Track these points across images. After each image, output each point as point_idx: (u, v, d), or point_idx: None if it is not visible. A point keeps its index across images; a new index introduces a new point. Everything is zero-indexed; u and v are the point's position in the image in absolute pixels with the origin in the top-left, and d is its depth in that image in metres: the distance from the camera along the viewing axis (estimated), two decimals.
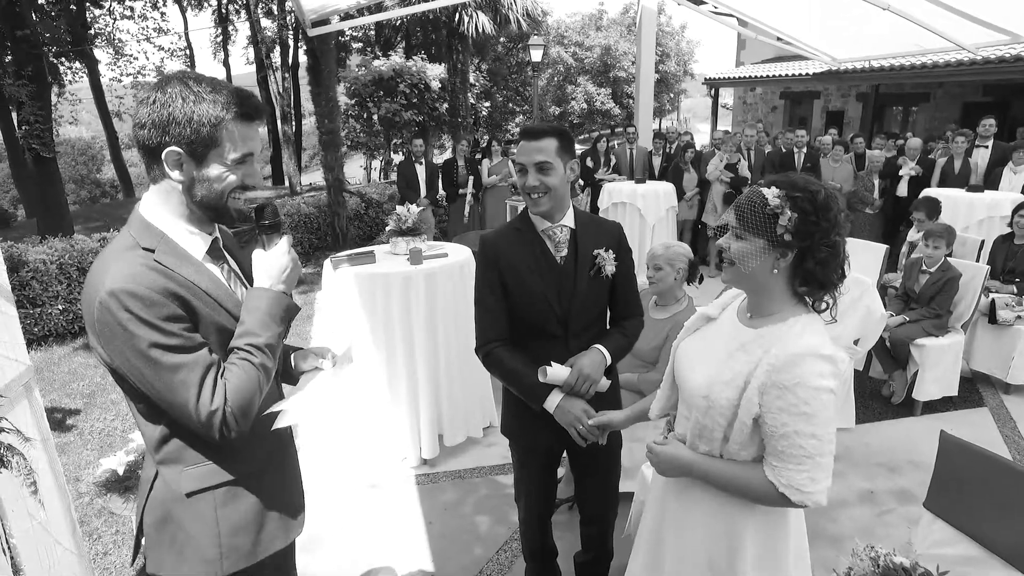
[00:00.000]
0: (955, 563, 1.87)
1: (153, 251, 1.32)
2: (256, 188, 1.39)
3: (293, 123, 19.85)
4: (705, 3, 10.52)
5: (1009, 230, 4.90)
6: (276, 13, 16.98)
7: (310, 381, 1.55)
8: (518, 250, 2.04)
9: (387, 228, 3.91)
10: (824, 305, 1.49)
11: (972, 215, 6.03)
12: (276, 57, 19.41)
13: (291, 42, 17.52)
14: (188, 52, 23.61)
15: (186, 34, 23.40)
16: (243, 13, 18.03)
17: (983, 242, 5.21)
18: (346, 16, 7.36)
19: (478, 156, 8.42)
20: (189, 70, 1.48)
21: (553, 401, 2.01)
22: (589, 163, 8.95)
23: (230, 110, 1.31)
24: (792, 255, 1.42)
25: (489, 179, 8.25)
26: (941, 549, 1.94)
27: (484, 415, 4.17)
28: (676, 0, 10.21)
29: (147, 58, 24.22)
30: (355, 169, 20.75)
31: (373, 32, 18.68)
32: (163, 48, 22.58)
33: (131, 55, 21.19)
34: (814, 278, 1.43)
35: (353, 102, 14.38)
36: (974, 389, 4.64)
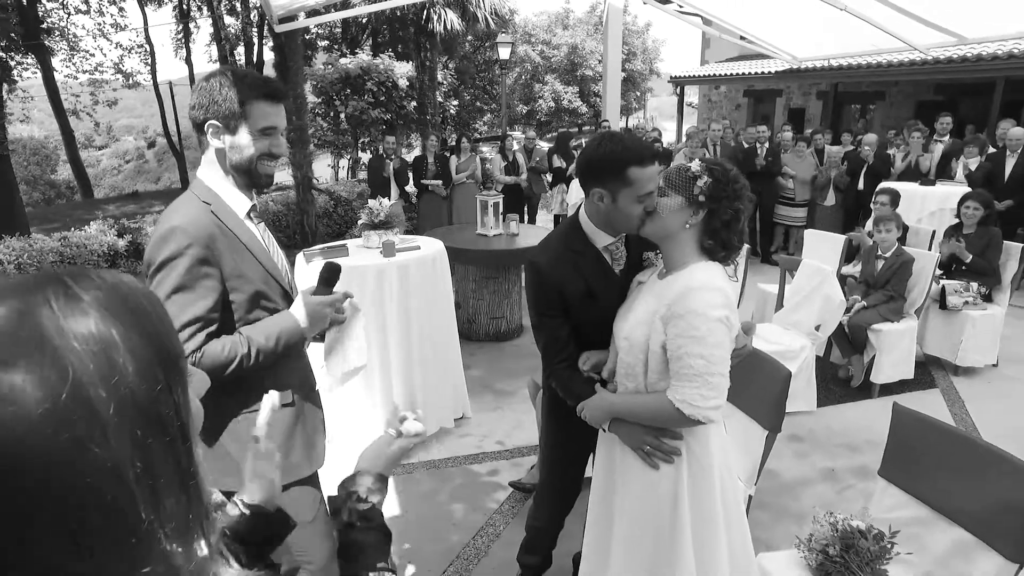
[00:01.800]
0: (906, 524, 2.00)
1: (210, 204, 1.65)
2: (279, 156, 1.70)
3: None
4: (671, 2, 10.70)
5: (957, 221, 5.13)
6: (240, 10, 16.68)
7: (346, 330, 1.89)
8: (583, 274, 1.95)
9: (359, 222, 3.92)
10: (723, 256, 1.78)
11: (925, 207, 6.29)
12: (240, 55, 19.06)
13: (256, 40, 17.25)
14: (148, 49, 23.06)
15: (145, 30, 22.82)
16: (205, 9, 17.69)
17: (935, 232, 5.44)
18: (312, 12, 7.30)
19: (446, 153, 8.45)
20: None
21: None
22: (558, 162, 9.04)
23: (255, 91, 1.61)
24: (703, 213, 1.72)
25: (458, 176, 8.28)
26: (894, 512, 2.06)
27: (456, 405, 4.21)
28: None
29: (104, 55, 23.48)
30: (322, 168, 20.53)
31: (339, 30, 18.51)
32: (121, 45, 22.00)
33: (87, 51, 20.60)
34: (719, 237, 1.73)
35: (320, 100, 14.25)
36: (927, 372, 4.85)
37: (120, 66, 21.72)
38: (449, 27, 13.46)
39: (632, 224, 1.85)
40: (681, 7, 10.20)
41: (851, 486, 3.43)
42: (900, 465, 2.10)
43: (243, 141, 1.63)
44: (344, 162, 17.35)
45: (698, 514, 1.79)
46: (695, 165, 1.73)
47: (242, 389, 1.66)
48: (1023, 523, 1.77)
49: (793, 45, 9.52)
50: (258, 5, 16.55)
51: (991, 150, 7.04)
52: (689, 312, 1.63)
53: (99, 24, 20.48)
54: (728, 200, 1.71)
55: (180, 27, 23.16)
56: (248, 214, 1.73)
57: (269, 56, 16.63)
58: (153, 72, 23.36)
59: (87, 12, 19.57)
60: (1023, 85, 9.74)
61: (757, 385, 2.48)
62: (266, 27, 17.41)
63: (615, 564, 1.91)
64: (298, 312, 1.70)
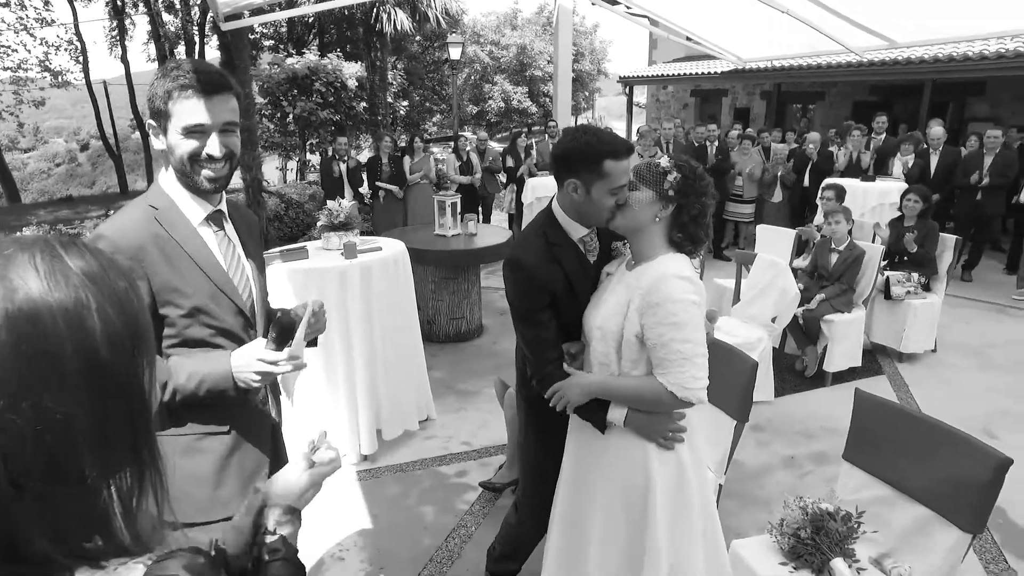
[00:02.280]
0: (870, 504, 2.08)
1: (157, 209, 1.52)
2: (219, 159, 1.50)
3: None
4: (619, 3, 10.85)
5: (900, 214, 5.38)
6: (179, 7, 16.08)
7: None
8: (564, 267, 1.94)
9: (319, 223, 3.84)
10: (690, 249, 1.83)
11: (867, 202, 6.58)
12: (181, 54, 18.40)
13: (197, 38, 16.66)
14: (79, 46, 21.99)
15: (75, 26, 21.75)
16: (141, 6, 16.94)
17: (877, 224, 5.70)
18: (256, 11, 7.10)
19: (398, 154, 8.38)
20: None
21: (619, 414, 1.85)
22: (510, 162, 9.06)
23: (177, 83, 1.45)
24: (672, 208, 1.77)
25: (412, 176, 8.21)
26: (858, 494, 2.14)
27: (421, 407, 4.17)
28: (590, 0, 10.50)
29: (28, 51, 22.25)
30: (270, 171, 20.00)
31: (285, 29, 18.09)
32: (46, 41, 20.88)
33: (8, 47, 19.49)
34: (687, 230, 1.79)
35: (266, 101, 13.89)
36: (874, 359, 5.07)
37: (46, 64, 20.64)
38: (399, 26, 13.31)
39: (603, 217, 1.86)
40: (629, 8, 10.36)
41: (811, 472, 3.56)
42: (862, 448, 2.19)
43: (172, 141, 1.50)
44: (292, 164, 16.96)
45: (672, 504, 1.82)
46: (664, 161, 1.78)
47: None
48: (976, 496, 1.86)
49: (738, 46, 9.80)
50: (199, 2, 16.02)
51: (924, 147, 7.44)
52: (666, 300, 1.68)
53: (21, 19, 19.41)
54: (696, 195, 1.77)
55: (114, 24, 22.18)
56: (207, 221, 1.59)
57: (213, 55, 16.13)
58: (86, 71, 22.29)
59: (7, 5, 18.49)
60: (949, 87, 10.31)
61: (724, 376, 2.54)
62: (208, 25, 16.87)
63: (593, 558, 1.92)
64: (238, 359, 1.49)
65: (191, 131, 1.48)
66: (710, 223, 1.85)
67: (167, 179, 1.57)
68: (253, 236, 1.76)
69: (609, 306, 1.83)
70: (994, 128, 7.17)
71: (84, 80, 22.37)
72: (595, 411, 1.87)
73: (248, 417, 1.66)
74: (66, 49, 21.72)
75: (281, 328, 1.45)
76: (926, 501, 1.99)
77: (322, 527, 3.19)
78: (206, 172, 1.52)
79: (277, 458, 1.75)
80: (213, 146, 1.50)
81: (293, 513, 1.09)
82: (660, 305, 1.69)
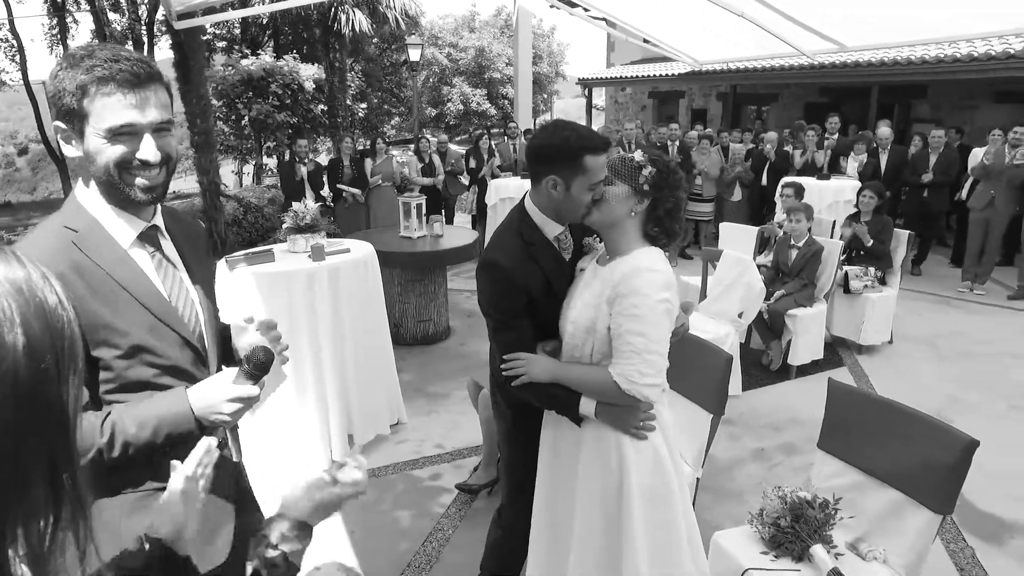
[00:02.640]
0: (845, 490, 2.14)
1: (76, 231, 1.26)
2: (154, 164, 1.26)
3: None
4: (577, 5, 10.96)
5: (856, 210, 5.57)
6: (126, 5, 15.53)
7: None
8: (541, 266, 1.91)
9: (284, 225, 3.76)
10: (665, 243, 1.86)
11: (822, 200, 6.78)
12: None
13: (145, 38, 16.12)
14: (16, 44, 21.00)
15: (10, 23, 20.73)
16: (83, 3, 16.23)
17: (835, 222, 5.89)
18: (209, 10, 6.91)
19: (358, 156, 8.27)
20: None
21: (589, 407, 1.83)
22: (473, 163, 9.03)
23: (92, 74, 1.18)
24: (647, 202, 1.79)
25: (373, 179, 8.12)
26: (833, 481, 2.20)
27: (392, 411, 4.12)
28: (549, 3, 10.57)
29: None
30: (226, 175, 19.51)
31: (239, 30, 17.68)
32: None
33: None
34: (662, 224, 1.81)
35: (221, 103, 13.54)
36: (834, 352, 5.23)
37: None
38: (358, 27, 13.14)
39: (579, 213, 1.85)
40: (588, 10, 10.46)
41: (780, 463, 3.64)
42: (836, 436, 2.24)
43: (92, 146, 1.23)
44: (249, 168, 16.57)
45: (650, 491, 1.82)
46: (638, 155, 1.80)
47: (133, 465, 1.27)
48: (945, 478, 1.93)
49: (694, 48, 9.98)
50: (146, 1, 15.53)
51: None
52: (632, 292, 1.70)
53: None
54: (670, 189, 1.79)
55: (54, 21, 21.28)
56: (140, 241, 1.33)
57: (164, 56, 15.64)
58: (23, 70, 21.33)
59: None
60: (894, 90, 10.74)
61: (699, 371, 2.58)
62: (157, 25, 16.36)
63: (573, 555, 1.91)
64: (197, 396, 1.27)
65: (118, 133, 1.22)
66: (684, 217, 1.87)
67: (86, 194, 1.31)
68: (198, 249, 1.51)
69: (584, 300, 1.83)
70: (937, 128, 7.49)
71: (22, 80, 21.40)
72: (568, 405, 1.86)
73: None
74: (1, 48, 20.74)
75: (258, 364, 1.29)
76: (898, 485, 2.05)
77: None
78: (140, 181, 1.26)
79: (244, 503, 1.55)
80: (148, 150, 1.25)
81: (303, 529, 1.02)
82: (627, 296, 1.70)
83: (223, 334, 1.52)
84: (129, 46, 15.12)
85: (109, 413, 1.23)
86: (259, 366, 1.29)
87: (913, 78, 9.78)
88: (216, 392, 1.28)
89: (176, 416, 1.26)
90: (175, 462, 1.06)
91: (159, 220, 1.39)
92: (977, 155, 7.07)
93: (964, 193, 7.16)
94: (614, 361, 1.74)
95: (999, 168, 6.48)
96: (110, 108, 1.20)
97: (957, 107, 10.53)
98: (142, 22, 15.56)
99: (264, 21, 16.08)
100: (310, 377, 3.55)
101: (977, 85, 9.76)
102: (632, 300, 1.69)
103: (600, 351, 1.81)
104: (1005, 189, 6.52)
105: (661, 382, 1.75)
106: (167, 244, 1.41)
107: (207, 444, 1.10)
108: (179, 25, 6.35)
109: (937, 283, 7.17)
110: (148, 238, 1.36)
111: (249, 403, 1.30)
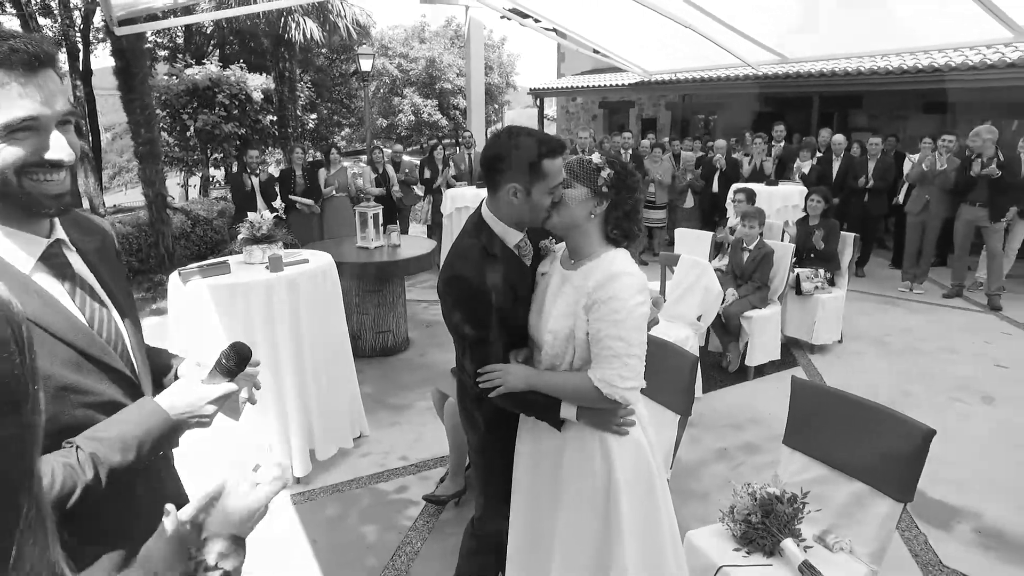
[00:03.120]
0: (812, 484, 2.19)
1: None
2: (61, 164, 1.07)
3: (90, 137, 17.61)
4: (528, 16, 11.06)
5: (804, 214, 5.77)
6: (58, 10, 14.88)
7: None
8: (505, 276, 1.87)
9: (240, 236, 3.65)
10: (626, 245, 1.85)
11: (771, 205, 7.00)
12: (63, 62, 17.02)
13: (81, 45, 15.47)
14: None
15: None
16: (8, 6, 15.43)
17: (787, 222, 6.09)
18: (150, 17, 6.69)
19: (309, 167, 8.14)
20: None
21: (571, 410, 1.83)
22: (427, 173, 8.99)
23: None
24: (606, 204, 1.79)
25: (327, 189, 7.99)
26: (800, 476, 2.25)
27: (353, 425, 4.04)
28: (500, 15, 10.64)
29: None
30: (171, 187, 18.87)
31: (181, 39, 17.18)
32: None
33: None
34: (621, 226, 1.81)
35: (164, 114, 13.12)
36: (788, 352, 5.38)
37: None
38: (309, 36, 12.95)
39: (539, 217, 1.84)
40: (539, 20, 10.57)
41: (743, 462, 3.71)
42: (801, 432, 2.30)
43: None
44: (195, 180, 16.08)
45: (635, 484, 1.82)
46: (596, 157, 1.81)
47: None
48: (905, 467, 2.00)
49: (644, 59, 10.20)
50: (80, 6, 14.93)
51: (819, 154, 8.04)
52: (611, 298, 1.69)
53: None
54: (628, 191, 1.80)
55: None
56: (43, 263, 1.12)
57: (101, 64, 15.07)
58: None
59: None
60: (834, 99, 11.21)
61: (665, 373, 2.60)
62: (93, 32, 15.74)
63: (558, 557, 1.90)
64: (171, 403, 1.18)
65: (17, 129, 1.01)
66: (642, 218, 1.89)
67: None
68: (107, 257, 1.29)
69: (560, 308, 1.81)
70: (874, 136, 7.86)
71: None
72: (548, 409, 1.84)
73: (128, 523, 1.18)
74: None
75: (239, 358, 1.24)
76: (861, 476, 2.11)
77: (258, 556, 3.00)
78: (47, 188, 1.06)
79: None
80: (59, 148, 1.05)
81: (238, 543, 0.98)
82: (606, 303, 1.70)
83: (148, 353, 1.36)
84: (64, 54, 14.50)
85: (77, 448, 1.06)
86: (240, 361, 1.25)
87: (850, 88, 10.24)
88: (193, 395, 1.20)
89: (159, 428, 1.15)
90: (169, 506, 0.99)
91: (60, 232, 1.16)
92: (912, 162, 7.44)
93: (901, 198, 7.52)
94: (594, 366, 1.74)
95: (932, 174, 6.84)
96: (5, 99, 0.98)
97: (891, 117, 11.06)
98: (76, 28, 14.94)
99: (209, 30, 15.67)
100: (269, 391, 3.44)
101: (908, 96, 10.29)
102: (612, 306, 1.69)
103: (581, 357, 1.80)
104: (938, 194, 6.87)
105: (640, 384, 1.76)
106: (74, 258, 1.19)
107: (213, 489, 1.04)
108: (120, 31, 6.11)
109: (879, 284, 7.49)
110: (52, 257, 1.13)
111: (225, 401, 1.24)
